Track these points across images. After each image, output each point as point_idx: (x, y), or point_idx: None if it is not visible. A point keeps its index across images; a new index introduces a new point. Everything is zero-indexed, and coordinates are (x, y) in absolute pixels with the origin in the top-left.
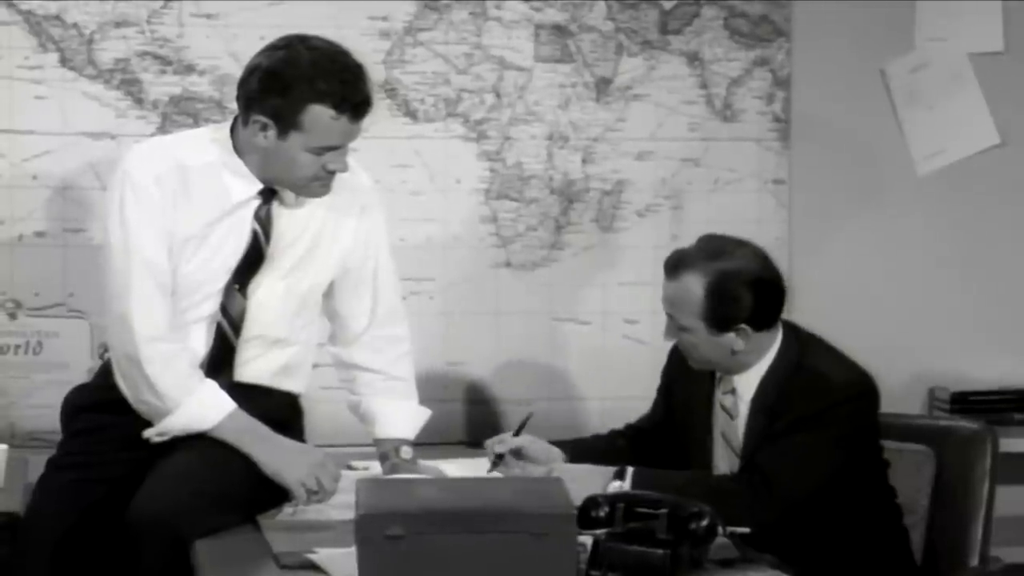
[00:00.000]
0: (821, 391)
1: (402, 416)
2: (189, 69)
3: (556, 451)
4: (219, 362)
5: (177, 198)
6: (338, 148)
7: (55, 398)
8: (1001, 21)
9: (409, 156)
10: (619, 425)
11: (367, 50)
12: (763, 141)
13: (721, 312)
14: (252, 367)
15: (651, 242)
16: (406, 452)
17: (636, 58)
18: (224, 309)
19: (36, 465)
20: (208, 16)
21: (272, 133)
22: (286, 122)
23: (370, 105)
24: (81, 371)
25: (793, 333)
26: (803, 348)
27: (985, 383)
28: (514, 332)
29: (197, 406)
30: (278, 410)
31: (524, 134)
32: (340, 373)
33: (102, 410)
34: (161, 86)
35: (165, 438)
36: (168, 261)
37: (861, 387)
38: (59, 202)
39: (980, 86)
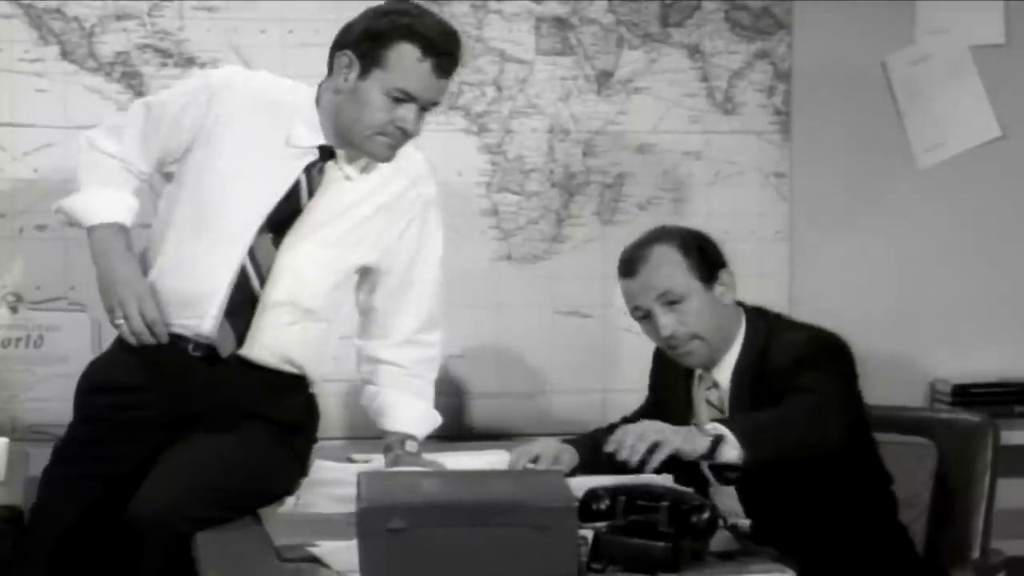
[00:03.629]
0: (807, 342)
1: (415, 413)
2: (190, 62)
3: (568, 451)
4: (240, 305)
5: (235, 108)
6: (415, 101)
7: (56, 391)
8: (1002, 13)
9: (410, 149)
10: (618, 420)
11: None
12: (764, 134)
13: (705, 259)
14: (277, 335)
15: None
16: (411, 446)
17: (637, 51)
18: (252, 253)
19: (37, 459)
20: (209, 9)
21: (355, 72)
22: (371, 57)
23: (456, 63)
24: (82, 364)
25: (756, 312)
26: (770, 325)
27: (986, 376)
28: (515, 325)
29: (93, 197)
30: (291, 411)
31: (525, 127)
32: (362, 366)
33: (115, 391)
34: (162, 79)
35: (62, 217)
36: (166, 146)
37: (838, 340)
38: (60, 195)
39: (981, 79)
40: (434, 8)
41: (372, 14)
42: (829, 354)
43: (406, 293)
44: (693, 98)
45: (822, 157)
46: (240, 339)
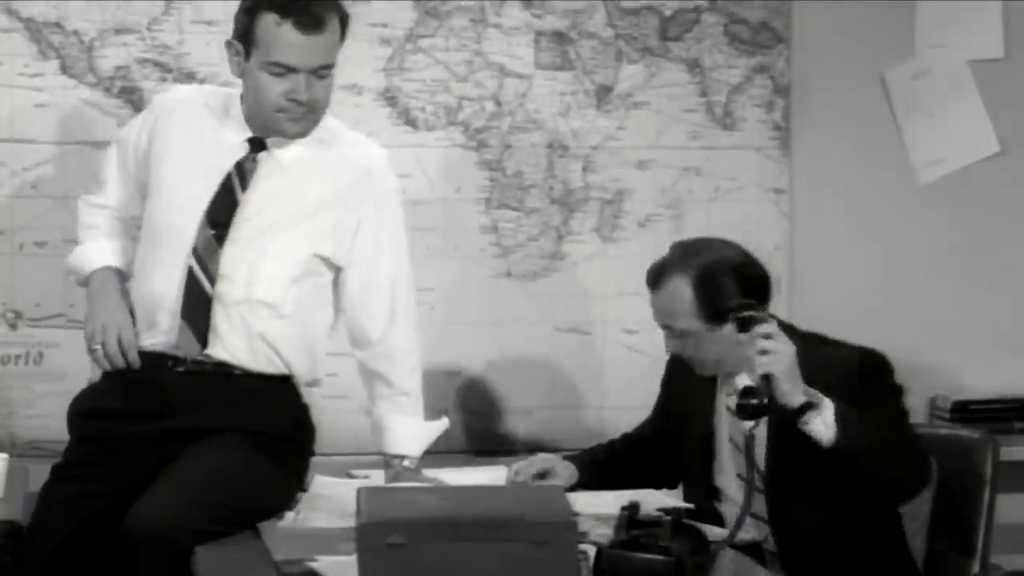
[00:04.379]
0: (860, 359)
1: (406, 433)
2: (189, 77)
3: (568, 467)
4: (194, 306)
5: (173, 123)
6: (296, 71)
7: (56, 408)
8: (1001, 27)
9: (410, 165)
10: (618, 436)
11: (367, 57)
12: (763, 149)
13: (714, 304)
14: (246, 333)
15: (652, 252)
16: (410, 462)
17: (636, 65)
18: (195, 253)
19: (37, 474)
20: (208, 23)
21: (241, 57)
22: (246, 38)
23: (319, 21)
24: (81, 381)
25: (788, 328)
26: (804, 337)
27: (986, 392)
28: (515, 342)
29: (87, 248)
30: (280, 422)
31: (524, 142)
32: (361, 379)
33: (106, 416)
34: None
35: (72, 277)
36: (137, 166)
37: (887, 361)
38: (60, 212)
39: (980, 93)
40: (434, 23)
41: None
42: (887, 377)
43: (369, 293)
44: (692, 113)
45: (822, 172)
46: (202, 339)
